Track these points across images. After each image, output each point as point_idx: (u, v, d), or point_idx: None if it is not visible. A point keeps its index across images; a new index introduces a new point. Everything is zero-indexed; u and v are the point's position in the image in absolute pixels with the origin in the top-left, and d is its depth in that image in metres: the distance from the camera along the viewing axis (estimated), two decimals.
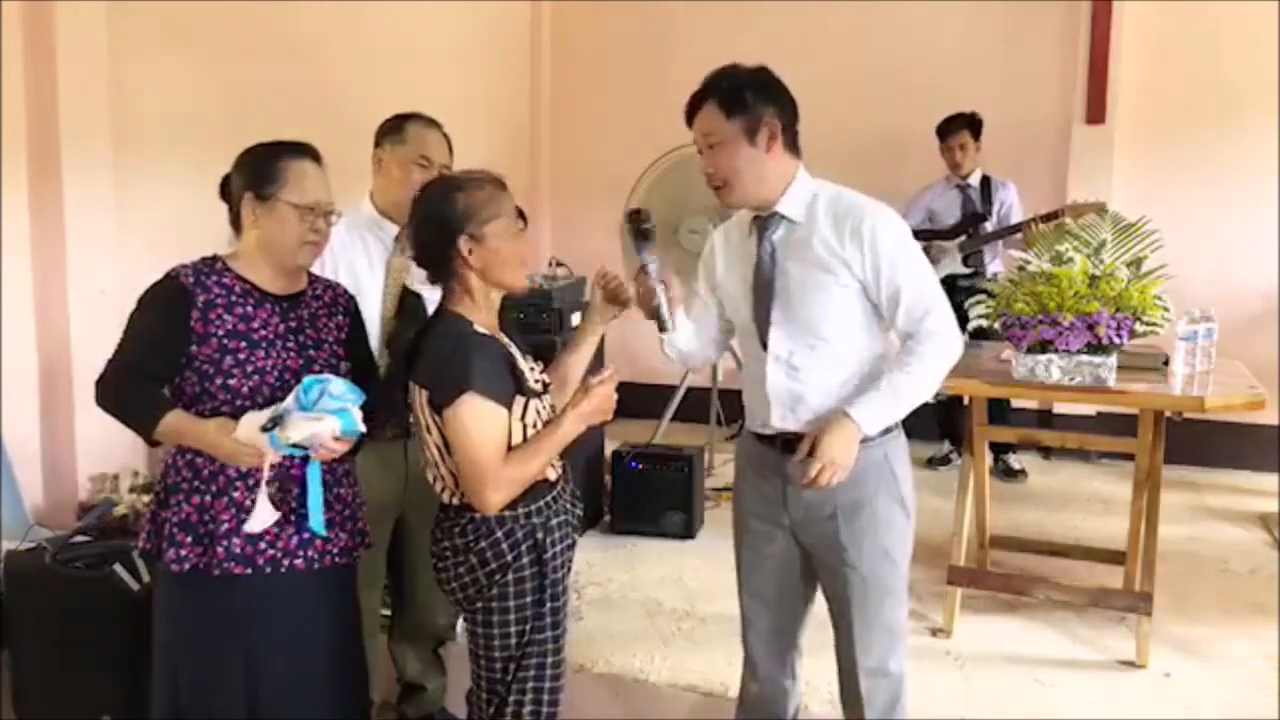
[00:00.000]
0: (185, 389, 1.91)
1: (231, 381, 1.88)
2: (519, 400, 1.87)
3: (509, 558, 1.88)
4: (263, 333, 1.92)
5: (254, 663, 1.93)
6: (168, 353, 1.89)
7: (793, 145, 2.04)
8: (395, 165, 2.43)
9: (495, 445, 1.82)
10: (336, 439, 1.85)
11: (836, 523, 2.05)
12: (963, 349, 2.05)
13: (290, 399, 1.82)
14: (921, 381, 1.99)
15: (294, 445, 1.80)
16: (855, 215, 1.99)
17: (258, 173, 1.93)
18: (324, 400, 1.81)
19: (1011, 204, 4.97)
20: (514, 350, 1.93)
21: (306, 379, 1.83)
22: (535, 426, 1.90)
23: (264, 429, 1.80)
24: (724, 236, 2.19)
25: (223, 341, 1.88)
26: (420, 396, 1.87)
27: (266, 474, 1.85)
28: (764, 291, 2.05)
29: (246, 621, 1.92)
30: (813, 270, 2.00)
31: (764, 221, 2.06)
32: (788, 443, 2.05)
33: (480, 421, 1.81)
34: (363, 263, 2.43)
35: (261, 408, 1.88)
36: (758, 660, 2.22)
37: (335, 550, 1.99)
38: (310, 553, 1.94)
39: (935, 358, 1.99)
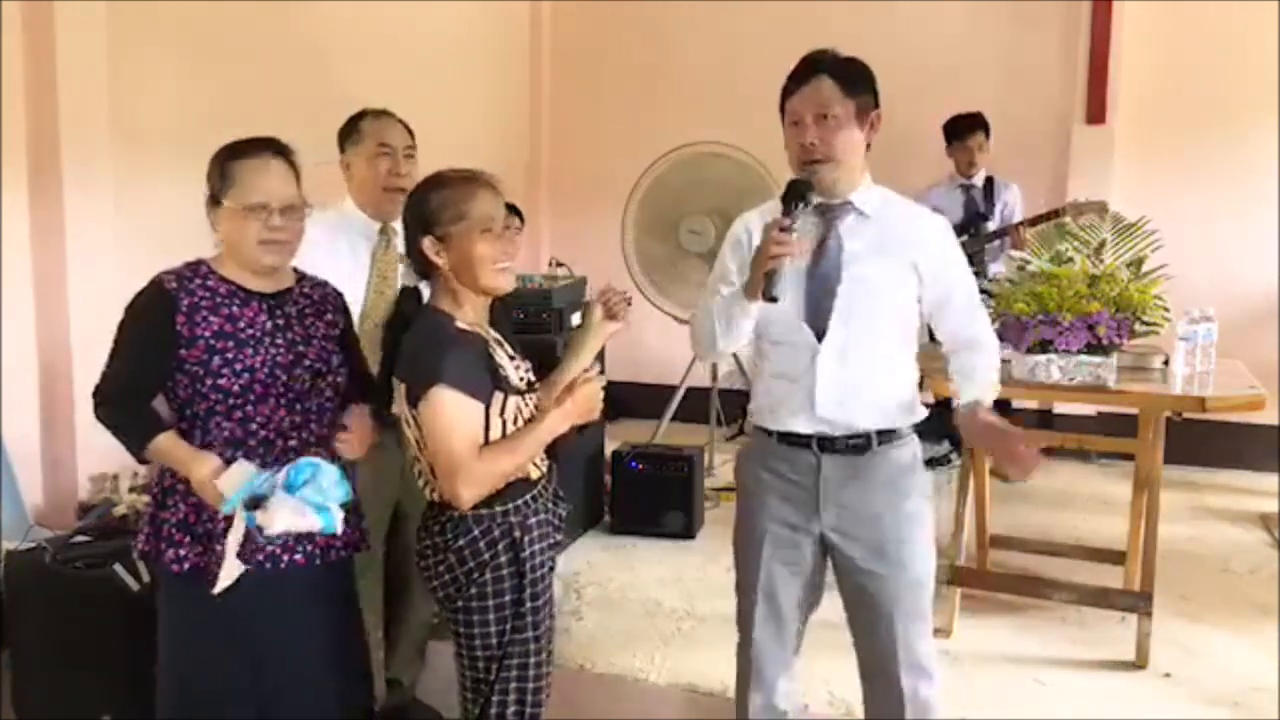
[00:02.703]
0: (178, 392, 1.91)
1: (221, 381, 1.88)
2: (498, 396, 1.85)
3: (486, 556, 1.88)
4: (250, 331, 1.92)
5: (260, 660, 1.93)
6: (157, 359, 1.89)
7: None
8: (360, 161, 2.52)
9: (467, 439, 1.81)
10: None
11: (881, 523, 2.04)
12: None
13: (280, 474, 1.81)
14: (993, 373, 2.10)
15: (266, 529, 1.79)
16: (921, 218, 2.07)
17: (211, 177, 1.94)
18: (309, 489, 1.80)
19: (1015, 206, 4.98)
20: (498, 347, 1.92)
21: (301, 460, 1.83)
22: (516, 424, 1.89)
23: (247, 507, 1.79)
24: (758, 224, 2.07)
25: (210, 342, 1.88)
26: (401, 391, 1.88)
27: (235, 531, 1.82)
28: (826, 280, 2.01)
29: (249, 619, 1.91)
30: (885, 264, 2.01)
31: (833, 210, 2.03)
32: (824, 442, 2.04)
33: (451, 414, 1.79)
34: (346, 258, 2.45)
35: (254, 406, 1.89)
36: (765, 671, 2.16)
37: (335, 545, 1.99)
38: (310, 547, 1.94)
39: (993, 360, 2.10)
